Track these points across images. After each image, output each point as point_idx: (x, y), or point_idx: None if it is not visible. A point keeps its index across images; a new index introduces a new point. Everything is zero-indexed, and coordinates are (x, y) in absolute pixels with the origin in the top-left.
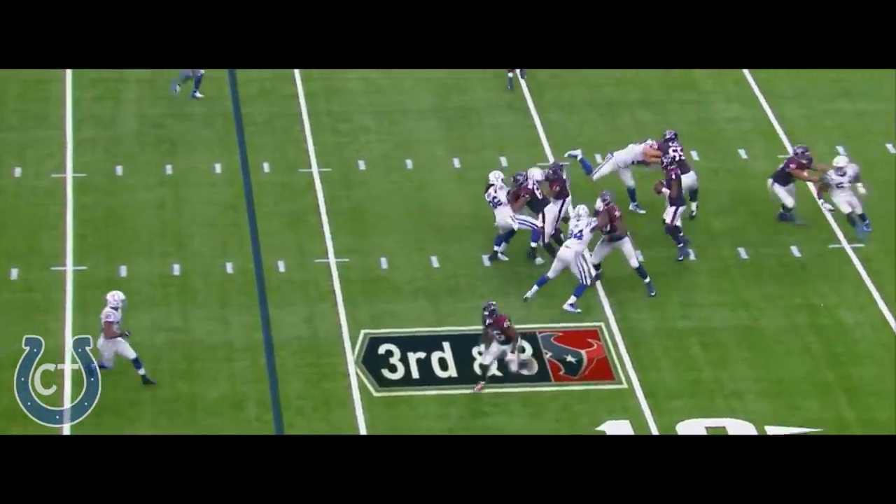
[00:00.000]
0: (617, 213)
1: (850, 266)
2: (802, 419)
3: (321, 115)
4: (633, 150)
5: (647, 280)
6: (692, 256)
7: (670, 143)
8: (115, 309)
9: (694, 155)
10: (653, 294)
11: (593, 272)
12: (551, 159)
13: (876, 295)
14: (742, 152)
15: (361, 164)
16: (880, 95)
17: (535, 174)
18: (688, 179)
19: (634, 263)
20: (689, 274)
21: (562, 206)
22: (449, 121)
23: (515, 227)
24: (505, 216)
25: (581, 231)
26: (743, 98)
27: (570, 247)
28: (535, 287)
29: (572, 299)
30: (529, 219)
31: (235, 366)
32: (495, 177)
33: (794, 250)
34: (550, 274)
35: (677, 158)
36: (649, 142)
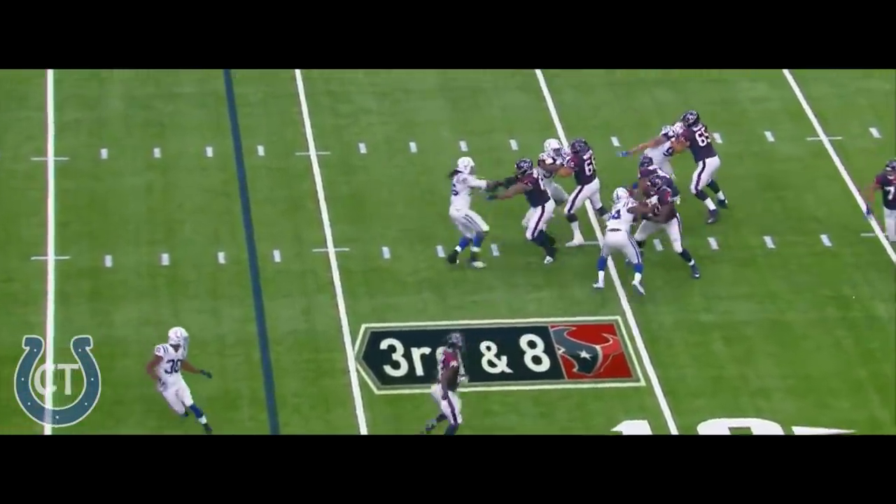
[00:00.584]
0: (670, 199)
1: (883, 255)
2: (833, 419)
3: (319, 96)
4: (661, 146)
5: (692, 263)
6: (714, 246)
7: (695, 128)
8: (176, 347)
9: (717, 137)
10: (697, 276)
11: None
12: (565, 143)
13: None
14: (768, 134)
15: (362, 148)
16: None
17: (552, 143)
18: (712, 165)
19: (678, 248)
20: (711, 264)
21: (579, 192)
22: (455, 101)
23: (460, 222)
24: (455, 208)
25: (619, 211)
26: (769, 76)
27: (620, 228)
28: (601, 273)
29: (638, 277)
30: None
31: (228, 362)
32: (464, 164)
33: (825, 239)
34: (605, 253)
35: (702, 144)
36: (668, 129)
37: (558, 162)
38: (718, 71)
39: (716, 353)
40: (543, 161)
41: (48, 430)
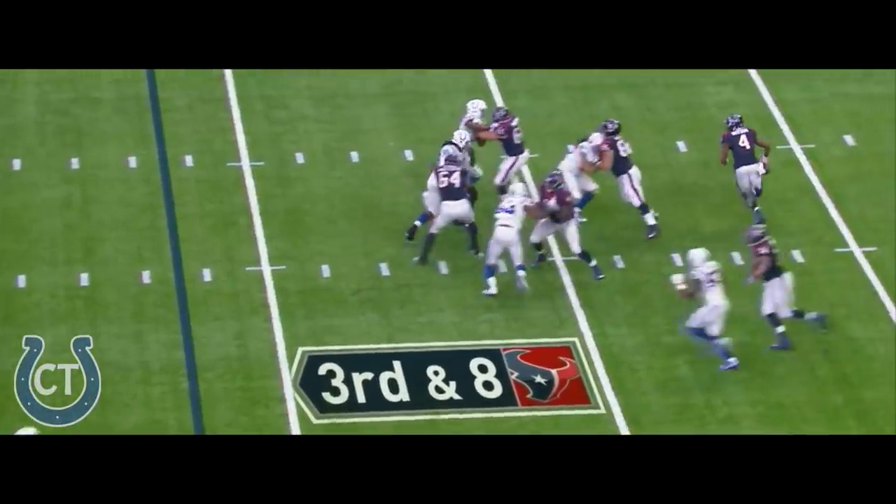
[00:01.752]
0: (567, 199)
1: (859, 273)
2: None
3: (252, 100)
4: (575, 158)
5: (593, 263)
6: (678, 262)
7: (616, 138)
8: None
9: (681, 146)
10: (600, 277)
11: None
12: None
13: (890, 306)
14: None
15: (299, 157)
16: None
17: (479, 104)
18: (637, 176)
19: (576, 249)
20: None
21: (513, 164)
22: (400, 106)
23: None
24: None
25: (513, 206)
26: (737, 80)
27: (512, 225)
28: (487, 279)
29: (521, 273)
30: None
31: (153, 390)
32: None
33: (796, 255)
34: (491, 260)
35: (624, 154)
36: (584, 145)
37: (492, 126)
38: (682, 73)
39: (681, 378)
40: (471, 121)
41: None
